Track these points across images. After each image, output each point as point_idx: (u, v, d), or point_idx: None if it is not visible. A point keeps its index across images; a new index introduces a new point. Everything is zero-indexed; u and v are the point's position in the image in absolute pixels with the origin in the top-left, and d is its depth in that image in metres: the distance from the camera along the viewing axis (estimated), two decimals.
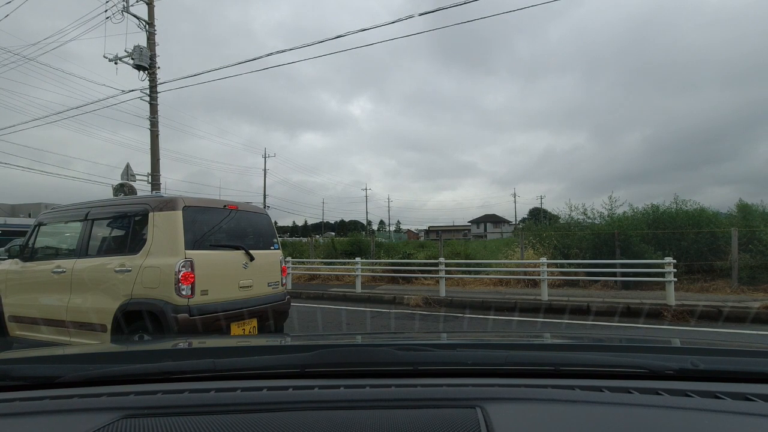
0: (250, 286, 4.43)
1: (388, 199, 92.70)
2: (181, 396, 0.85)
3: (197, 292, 3.90)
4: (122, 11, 15.46)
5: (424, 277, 11.41)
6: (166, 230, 3.99)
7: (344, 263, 13.60)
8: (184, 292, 3.81)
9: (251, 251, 4.48)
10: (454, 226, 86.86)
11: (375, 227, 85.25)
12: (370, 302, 9.91)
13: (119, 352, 1.38)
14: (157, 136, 15.92)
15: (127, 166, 15.36)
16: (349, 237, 19.54)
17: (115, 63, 15.33)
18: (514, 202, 76.77)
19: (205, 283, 3.96)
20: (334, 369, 0.97)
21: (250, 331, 4.29)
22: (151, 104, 15.86)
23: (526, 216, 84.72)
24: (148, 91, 15.81)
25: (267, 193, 48.17)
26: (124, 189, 16.73)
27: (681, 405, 0.76)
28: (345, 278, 12.87)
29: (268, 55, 16.24)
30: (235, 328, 4.17)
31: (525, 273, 10.32)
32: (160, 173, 16.04)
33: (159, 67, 16.00)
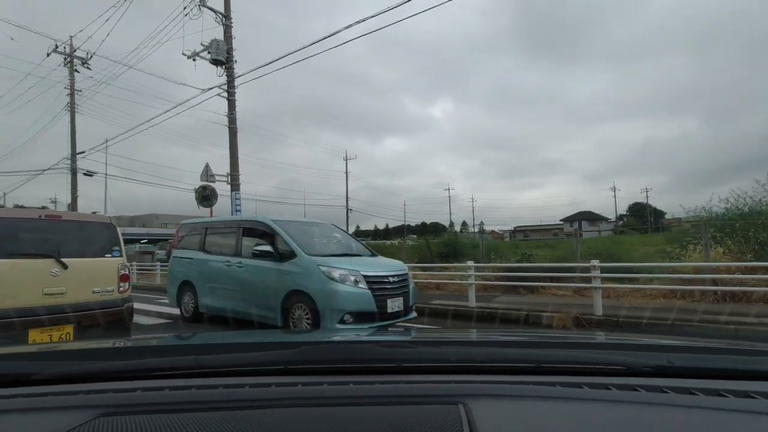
0: (62, 293, 4.39)
1: (472, 199, 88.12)
2: (160, 393, 0.82)
3: None
4: (199, 6, 14.48)
5: (555, 286, 8.55)
6: None
7: (443, 267, 11.10)
8: None
9: (69, 259, 4.45)
10: (543, 225, 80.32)
11: (457, 228, 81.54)
12: (490, 321, 7.25)
13: (97, 348, 1.28)
14: (236, 134, 14.67)
15: (207, 167, 14.26)
16: (441, 237, 16.88)
17: (194, 59, 14.33)
18: (614, 197, 68.96)
19: None
20: (318, 366, 0.94)
21: (61, 337, 4.25)
22: (228, 100, 14.65)
23: (625, 212, 75.87)
24: (225, 87, 14.66)
25: (350, 196, 47.31)
26: (206, 192, 15.81)
27: (657, 401, 0.77)
28: (447, 287, 10.35)
29: (341, 43, 14.28)
30: (36, 334, 4.10)
31: (716, 282, 7.02)
32: (239, 173, 14.77)
33: (236, 61, 14.77)
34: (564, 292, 8.45)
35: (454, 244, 14.97)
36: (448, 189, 77.74)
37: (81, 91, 24.08)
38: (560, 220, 75.15)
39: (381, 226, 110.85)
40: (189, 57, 14.23)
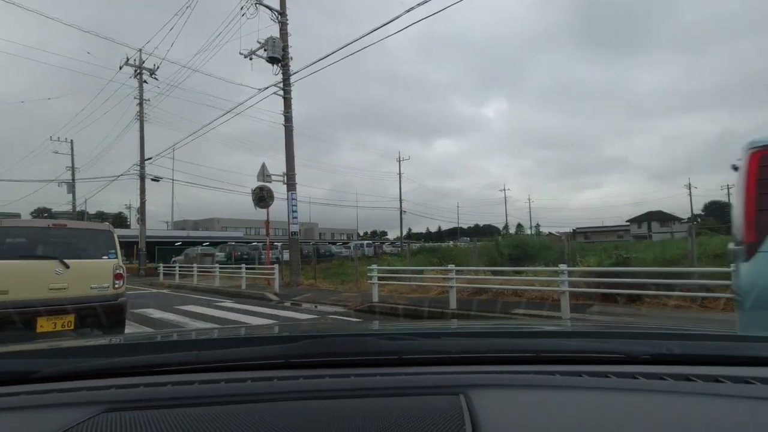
0: (64, 288, 5.12)
1: (529, 199, 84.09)
2: (163, 389, 0.82)
3: None
4: (255, 4, 14.19)
5: (664, 295, 7.06)
6: None
7: (517, 272, 9.81)
8: None
9: (71, 260, 5.23)
10: (605, 226, 75.04)
11: (512, 230, 78.00)
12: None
13: (99, 345, 1.27)
14: (292, 132, 14.19)
15: (263, 167, 13.88)
16: (508, 238, 15.47)
17: (250, 59, 14.04)
18: (690, 194, 62.18)
19: (4, 285, 4.79)
20: (319, 359, 0.93)
21: (63, 325, 5.00)
22: (284, 98, 14.22)
23: (700, 211, 69.07)
24: (281, 85, 14.24)
25: (402, 198, 46.42)
26: (263, 193, 15.49)
27: (656, 388, 0.77)
28: (526, 294, 9.06)
29: (393, 33, 13.38)
30: (43, 322, 4.90)
31: None
32: (295, 172, 14.27)
33: (292, 58, 14.32)
34: (678, 302, 6.94)
35: (524, 246, 13.54)
36: (504, 189, 73.98)
37: (149, 100, 25.06)
38: (626, 221, 69.65)
39: (433, 229, 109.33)
40: (246, 56, 13.96)
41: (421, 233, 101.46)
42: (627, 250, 9.64)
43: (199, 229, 54.40)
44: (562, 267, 6.96)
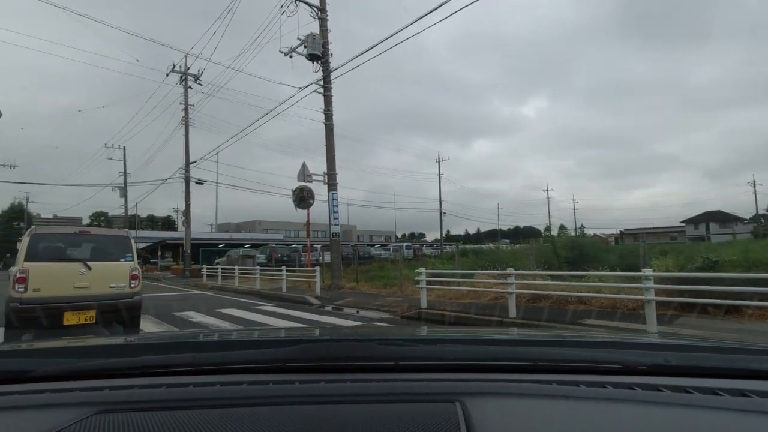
0: (87, 287, 5.81)
1: (573, 200, 79.99)
2: (158, 390, 0.81)
3: (31, 289, 5.50)
4: (295, 1, 13.86)
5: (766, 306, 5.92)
6: (20, 249, 5.96)
7: (577, 276, 8.80)
8: (21, 289, 5.47)
9: (93, 263, 5.95)
10: (657, 227, 70.66)
11: (554, 232, 74.78)
12: None
13: (94, 346, 1.26)
14: (332, 130, 13.72)
15: (303, 166, 13.47)
16: (560, 238, 14.31)
17: (290, 56, 13.69)
18: (755, 192, 57.38)
19: (38, 283, 5.52)
20: (316, 363, 0.92)
21: (86, 319, 5.69)
22: (324, 96, 13.77)
23: (765, 211, 63.47)
24: (321, 83, 13.81)
25: (442, 199, 45.39)
26: (303, 194, 15.11)
27: (653, 399, 0.76)
28: (592, 302, 8.06)
29: (431, 25, 12.61)
30: (69, 316, 5.60)
31: None
32: (336, 172, 13.78)
33: (332, 54, 13.86)
34: None
35: (581, 247, 12.39)
36: (547, 190, 70.95)
37: (193, 105, 25.54)
38: (681, 222, 65.15)
39: (471, 230, 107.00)
40: (286, 54, 13.63)
41: (460, 235, 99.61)
42: (714, 253, 8.39)
43: (240, 232, 55.61)
44: (647, 272, 5.95)
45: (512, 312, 7.45)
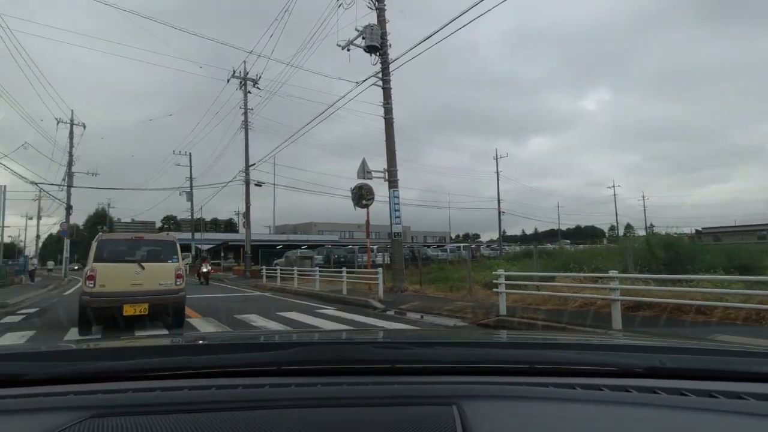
0: (141, 284, 6.81)
1: (643, 196, 73.07)
2: (152, 394, 0.79)
3: (98, 285, 6.59)
4: None
5: None
6: (90, 252, 7.06)
7: (684, 281, 7.34)
8: (91, 285, 6.59)
9: (145, 263, 6.98)
10: (740, 226, 63.63)
11: (619, 231, 69.33)
12: None
13: (88, 349, 1.27)
14: (392, 124, 12.95)
15: (363, 163, 12.81)
16: (654, 237, 12.57)
17: (348, 49, 13.12)
18: None
19: (103, 280, 6.62)
20: (312, 366, 0.92)
21: (141, 311, 6.66)
22: (384, 88, 13.04)
23: None
24: (380, 75, 13.11)
25: (496, 199, 43.43)
26: (362, 192, 14.48)
27: (649, 402, 0.76)
28: (713, 312, 6.63)
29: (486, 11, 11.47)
30: (128, 307, 6.59)
31: None
32: (397, 168, 12.99)
33: (390, 45, 13.12)
34: None
35: (677, 246, 10.74)
36: (613, 186, 65.26)
37: (252, 109, 25.96)
38: None
39: (528, 230, 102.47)
40: (343, 47, 13.08)
41: (516, 235, 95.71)
42: None
43: (297, 233, 56.67)
44: None
45: (617, 322, 6.22)
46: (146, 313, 6.73)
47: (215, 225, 74.04)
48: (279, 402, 0.76)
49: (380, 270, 11.43)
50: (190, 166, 37.14)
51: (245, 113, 25.73)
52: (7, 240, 57.26)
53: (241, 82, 25.67)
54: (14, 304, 11.69)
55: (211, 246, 40.72)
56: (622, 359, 0.93)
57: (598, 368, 0.91)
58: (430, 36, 11.67)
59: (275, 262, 25.79)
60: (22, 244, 58.49)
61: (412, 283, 13.37)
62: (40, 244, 54.36)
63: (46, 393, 0.80)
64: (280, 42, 21.45)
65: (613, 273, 6.38)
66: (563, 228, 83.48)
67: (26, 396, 0.80)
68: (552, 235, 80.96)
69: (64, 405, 0.75)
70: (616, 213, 63.26)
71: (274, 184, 29.09)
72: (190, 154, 37.42)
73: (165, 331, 7.16)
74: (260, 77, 25.09)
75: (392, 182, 12.75)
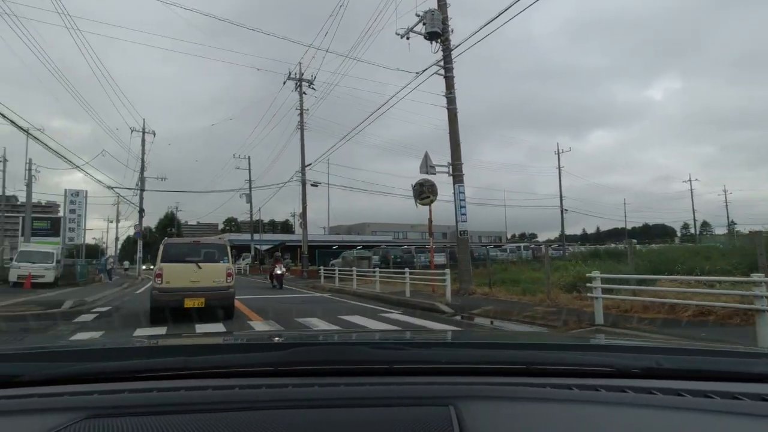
0: (199, 281, 7.92)
1: (725, 191, 65.00)
2: (148, 395, 0.79)
3: (164, 281, 7.81)
4: None
5: None
6: (158, 254, 8.40)
7: None
8: (159, 282, 7.82)
9: (201, 263, 8.09)
10: None
11: (695, 230, 62.84)
12: None
13: (84, 350, 1.21)
14: (456, 115, 12.02)
15: (426, 157, 11.98)
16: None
17: (407, 37, 12.36)
18: None
19: (169, 278, 7.84)
20: (309, 367, 0.91)
21: (198, 304, 7.73)
22: (446, 77, 12.14)
23: None
24: (442, 64, 12.23)
25: (557, 195, 40.81)
26: (423, 189, 13.66)
27: (646, 402, 0.76)
28: None
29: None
30: (188, 301, 7.70)
31: None
32: (462, 162, 12.04)
33: (452, 31, 12.20)
34: None
35: None
36: (690, 180, 58.62)
37: (308, 109, 25.98)
38: None
39: (589, 230, 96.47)
40: (402, 36, 12.33)
41: (576, 235, 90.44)
42: None
43: (351, 234, 56.82)
44: None
45: (765, 338, 4.94)
46: (203, 306, 7.75)
47: (272, 226, 76.31)
48: (275, 403, 0.75)
49: (448, 271, 10.52)
50: (249, 169, 38.18)
51: (301, 114, 25.79)
52: (91, 242, 63.15)
53: (296, 84, 25.76)
54: (91, 302, 12.04)
55: (269, 246, 41.61)
56: (619, 360, 0.93)
57: (595, 369, 0.90)
58: (495, 18, 10.64)
59: (331, 262, 25.59)
60: (104, 245, 63.61)
61: (479, 285, 12.35)
62: (119, 246, 58.94)
63: (41, 394, 0.80)
64: (335, 39, 21.03)
65: (757, 276, 5.08)
66: (629, 226, 77.67)
67: (21, 397, 0.79)
68: (616, 234, 75.49)
69: (59, 406, 0.75)
70: (693, 209, 57.38)
71: (328, 184, 29.02)
72: (248, 157, 38.49)
73: (218, 323, 7.70)
74: (315, 78, 25.05)
75: (457, 177, 11.82)
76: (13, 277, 17.77)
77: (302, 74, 25.37)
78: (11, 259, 20.63)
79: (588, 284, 6.64)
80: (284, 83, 25.91)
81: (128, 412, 0.71)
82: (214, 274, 8.07)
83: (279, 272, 16.79)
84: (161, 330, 7.21)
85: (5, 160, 31.70)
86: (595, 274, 6.51)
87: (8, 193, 33.58)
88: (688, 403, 0.74)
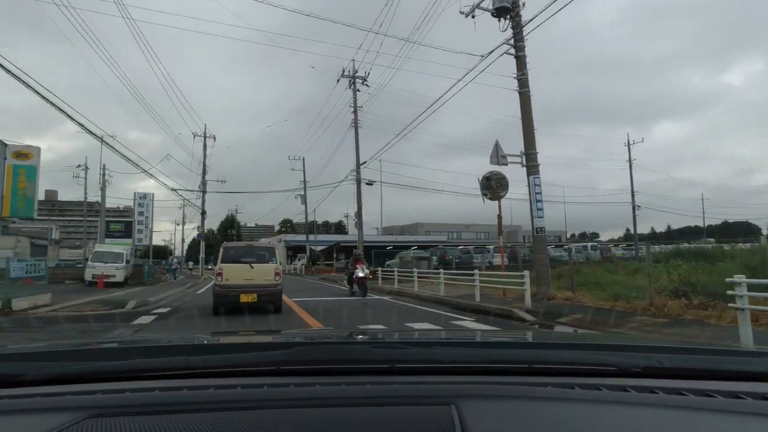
0: (252, 279, 8.90)
1: None
2: (150, 394, 0.79)
3: (224, 279, 8.87)
4: None
5: None
6: (219, 255, 9.70)
7: None
8: (219, 279, 8.90)
9: (254, 264, 9.11)
10: None
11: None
12: None
13: (86, 349, 1.23)
14: (529, 99, 10.69)
15: (496, 146, 10.74)
16: None
17: (472, 16, 11.20)
18: None
19: (227, 276, 8.92)
20: (310, 366, 0.91)
21: (251, 299, 8.61)
22: (517, 57, 10.84)
23: None
24: (512, 42, 10.95)
25: (619, 192, 37.43)
26: (491, 183, 12.42)
27: (647, 401, 0.76)
28: None
29: None
30: (243, 296, 8.61)
31: None
32: (537, 151, 10.68)
33: (524, 4, 10.89)
34: None
35: None
36: None
37: (362, 107, 25.39)
38: None
39: (658, 228, 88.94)
40: (467, 14, 11.17)
41: (644, 234, 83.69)
42: None
43: (404, 234, 55.90)
44: None
45: None
46: (255, 300, 8.64)
47: (326, 227, 77.25)
48: (277, 402, 0.76)
49: (527, 273, 9.24)
50: (303, 170, 38.41)
51: (355, 111, 25.22)
52: (161, 243, 67.40)
53: (350, 81, 25.25)
54: (154, 302, 12.01)
55: (324, 247, 41.67)
56: (621, 359, 0.93)
57: (597, 368, 0.90)
58: None
59: (387, 262, 24.79)
60: (172, 246, 67.49)
61: (557, 289, 10.92)
62: (185, 247, 62.22)
63: (43, 393, 0.80)
64: (390, 28, 20.22)
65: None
66: (698, 224, 70.67)
67: (24, 396, 0.79)
68: (689, 232, 68.89)
69: (61, 405, 0.75)
70: None
71: (381, 182, 28.25)
72: (303, 158, 38.72)
73: (268, 316, 8.63)
74: (368, 74, 24.43)
75: (531, 167, 10.49)
76: (88, 276, 18.61)
77: (356, 71, 24.83)
78: (87, 260, 21.76)
79: (729, 291, 5.18)
80: (338, 81, 25.49)
81: (130, 411, 0.71)
82: (265, 273, 9.05)
83: (362, 275, 12.97)
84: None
85: (87, 168, 34.12)
86: (740, 278, 5.06)
87: (90, 199, 36.34)
88: (691, 402, 0.74)
